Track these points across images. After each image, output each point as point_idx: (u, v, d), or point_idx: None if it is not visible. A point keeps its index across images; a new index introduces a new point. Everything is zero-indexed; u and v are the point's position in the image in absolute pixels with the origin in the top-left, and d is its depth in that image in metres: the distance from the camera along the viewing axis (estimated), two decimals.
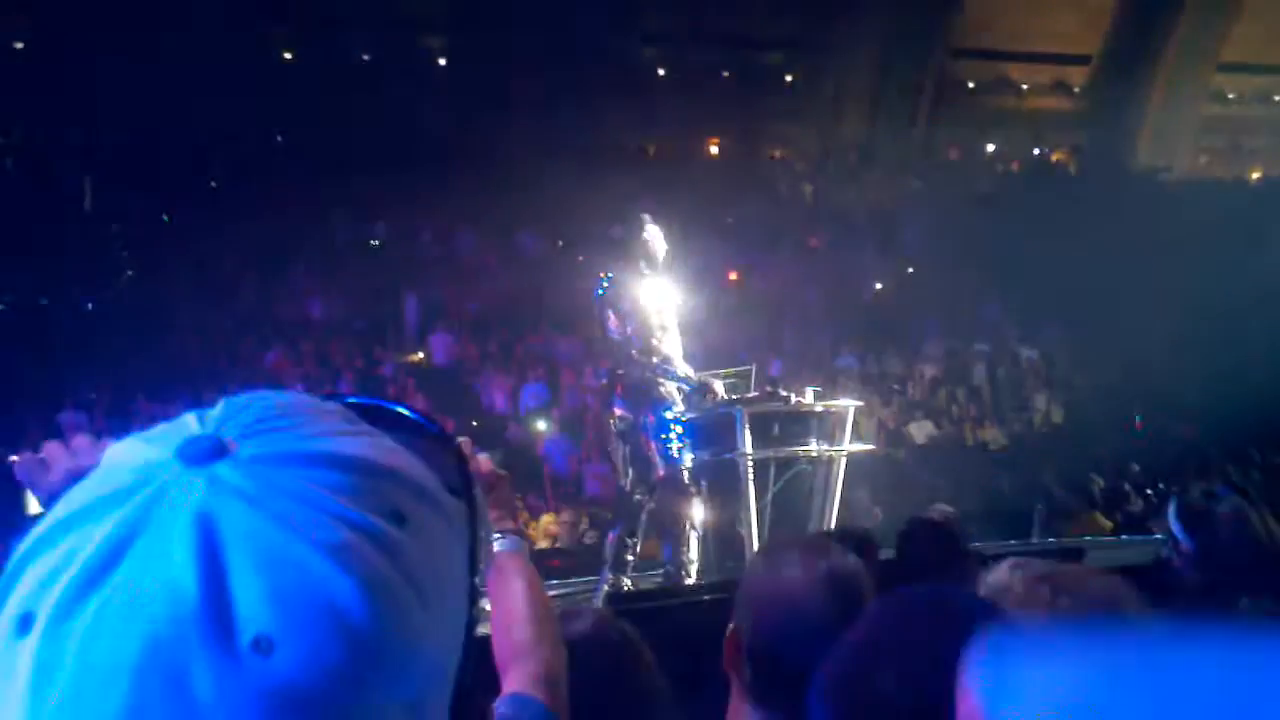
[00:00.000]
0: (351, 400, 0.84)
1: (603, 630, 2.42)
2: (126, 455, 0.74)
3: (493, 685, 1.79)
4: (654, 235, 6.54)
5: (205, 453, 0.72)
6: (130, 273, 17.86)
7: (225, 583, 0.67)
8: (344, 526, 0.70)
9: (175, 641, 0.66)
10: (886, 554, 3.93)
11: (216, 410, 0.77)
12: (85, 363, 15.33)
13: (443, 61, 22.61)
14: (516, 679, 1.79)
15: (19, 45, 19.10)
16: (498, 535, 1.96)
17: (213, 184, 19.54)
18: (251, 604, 0.67)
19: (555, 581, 7.45)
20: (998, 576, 2.01)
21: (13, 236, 15.76)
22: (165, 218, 17.98)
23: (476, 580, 0.80)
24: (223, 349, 16.15)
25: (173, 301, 16.91)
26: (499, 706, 1.74)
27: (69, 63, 17.92)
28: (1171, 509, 3.30)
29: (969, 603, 1.30)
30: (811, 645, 1.68)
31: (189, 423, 0.76)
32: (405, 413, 0.85)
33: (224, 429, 0.74)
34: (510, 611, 1.88)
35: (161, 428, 0.77)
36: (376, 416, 0.82)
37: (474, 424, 15.50)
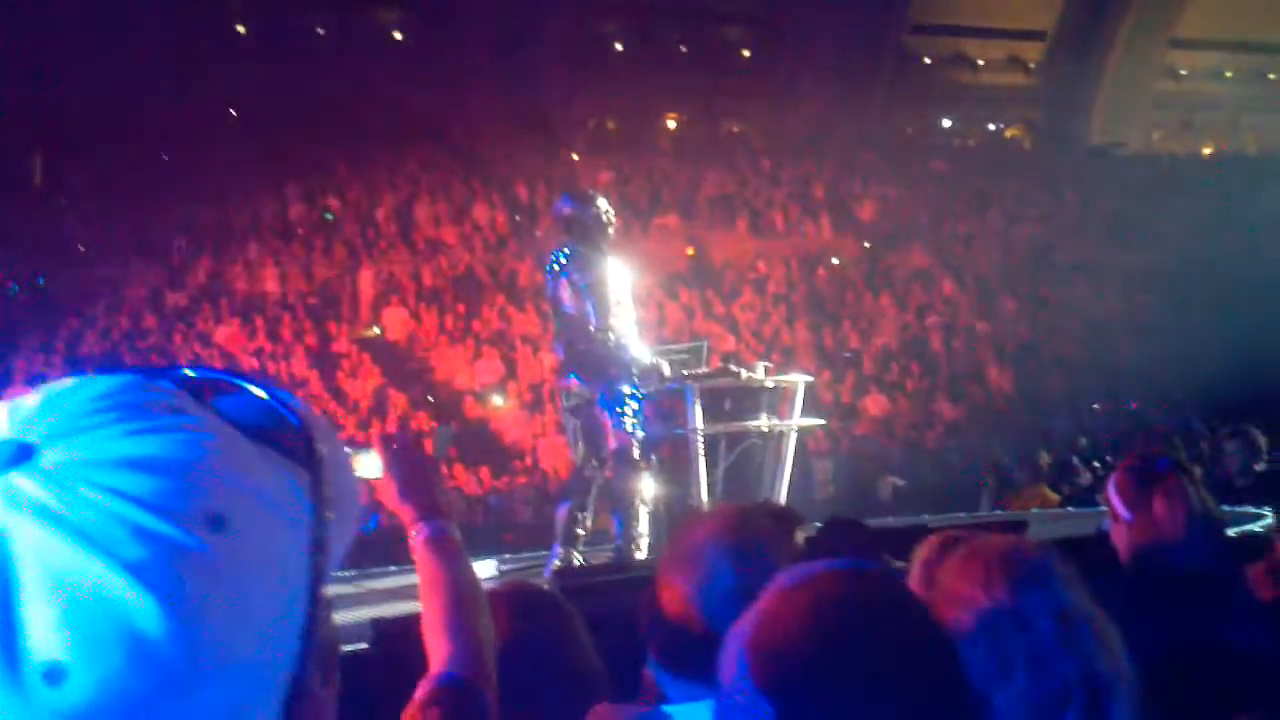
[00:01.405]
0: (189, 374, 0.78)
1: (537, 601, 2.44)
2: None
3: (421, 668, 1.80)
4: (603, 210, 6.52)
5: (6, 460, 0.67)
6: (82, 248, 17.66)
7: (14, 608, 0.63)
8: (149, 541, 0.66)
9: None
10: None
11: (32, 403, 0.71)
12: (37, 339, 15.17)
13: (399, 36, 22.42)
14: (440, 660, 1.80)
15: None
16: (422, 521, 1.98)
17: (165, 158, 19.32)
18: (43, 631, 0.63)
19: (508, 556, 7.45)
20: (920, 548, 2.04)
21: None
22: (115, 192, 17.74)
23: (321, 562, 0.74)
24: (177, 324, 16.01)
25: (125, 277, 16.75)
26: (421, 687, 1.75)
27: (17, 36, 17.63)
28: (1111, 482, 3.34)
29: (868, 571, 1.31)
30: (718, 611, 1.70)
31: (1, 418, 0.71)
32: (247, 385, 0.79)
33: (32, 429, 0.69)
34: (432, 597, 1.89)
35: None
36: (216, 391, 0.78)
37: (429, 399, 15.47)
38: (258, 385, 0.78)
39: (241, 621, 0.68)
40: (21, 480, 0.66)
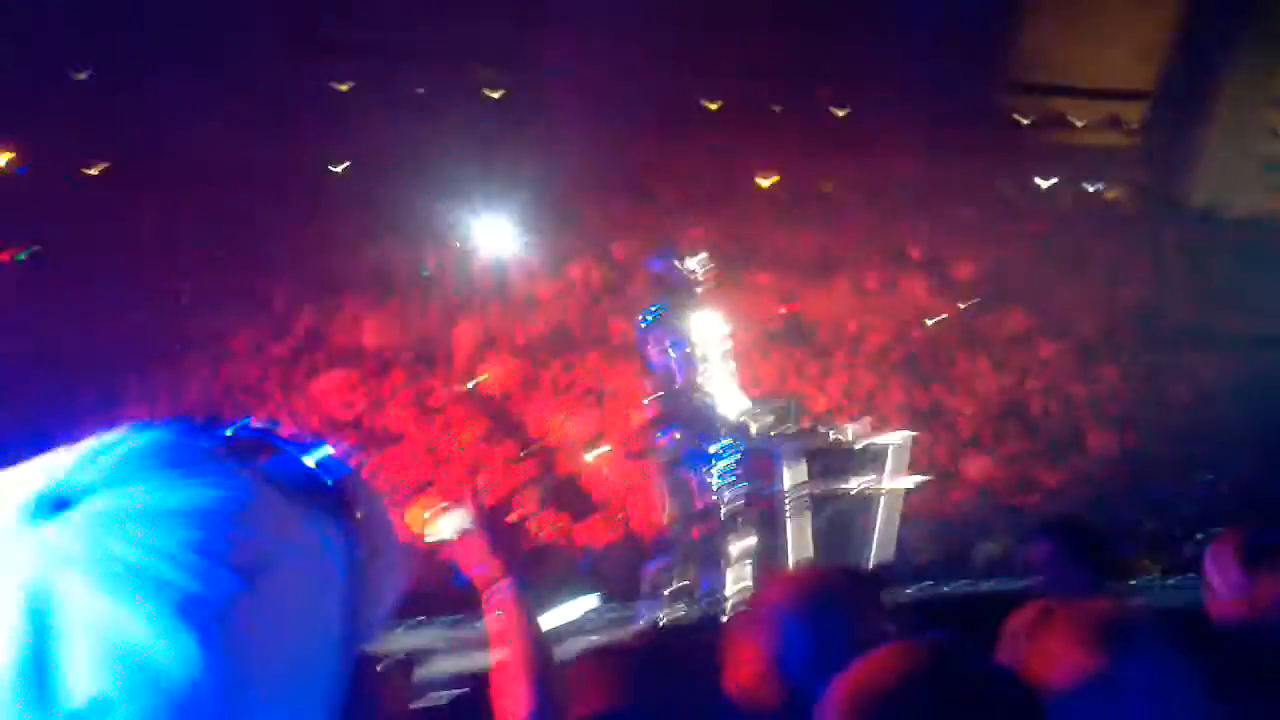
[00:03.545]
0: (230, 431, 0.81)
1: (663, 645, 2.47)
2: None
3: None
4: (694, 268, 6.54)
5: (46, 511, 0.70)
6: (184, 300, 18.11)
7: (49, 654, 0.65)
8: (179, 591, 0.67)
9: None
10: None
11: (75, 454, 0.74)
12: (140, 389, 15.56)
13: (493, 94, 22.80)
14: (521, 707, 1.84)
15: (81, 76, 19.52)
16: (505, 578, 2.03)
17: (266, 211, 19.77)
18: (77, 677, 0.65)
19: (602, 610, 7.44)
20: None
21: (83, 263, 16.15)
22: (219, 253, 18.22)
23: (356, 616, 0.77)
24: (277, 375, 16.32)
25: (227, 328, 17.14)
26: None
27: (127, 91, 18.27)
28: (1211, 554, 3.24)
29: (959, 644, 1.29)
30: (793, 675, 1.69)
31: (43, 470, 0.74)
32: (288, 444, 0.82)
33: (75, 480, 0.72)
34: (513, 649, 1.94)
35: (17, 471, 0.74)
36: (256, 448, 0.80)
37: (525, 453, 15.56)
38: (299, 445, 0.81)
39: (270, 671, 0.69)
40: (61, 530, 0.69)
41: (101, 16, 17.83)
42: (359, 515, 0.79)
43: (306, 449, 0.82)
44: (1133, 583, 7.53)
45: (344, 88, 21.66)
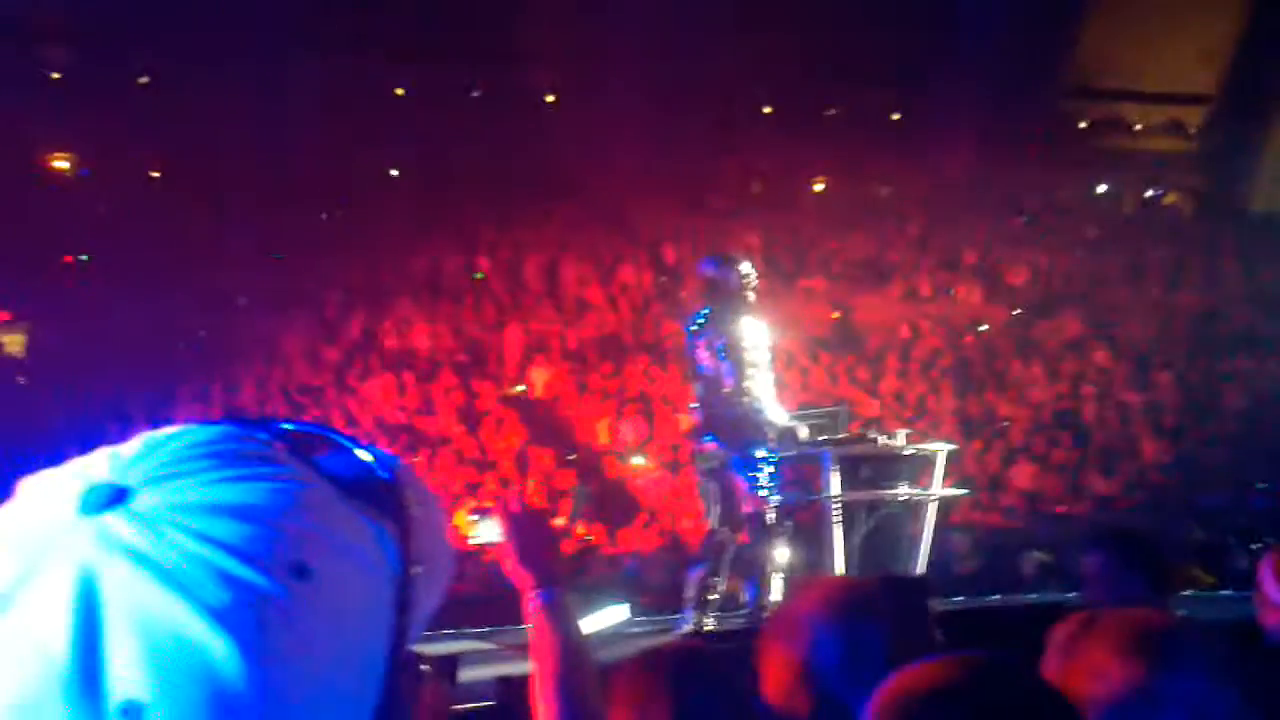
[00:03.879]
0: (286, 428, 0.81)
1: (703, 653, 2.47)
2: (33, 494, 0.73)
3: None
4: (746, 272, 6.53)
5: (101, 502, 0.70)
6: (243, 301, 18.32)
7: (98, 644, 0.66)
8: (232, 587, 0.68)
9: (42, 702, 0.65)
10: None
11: (131, 448, 0.75)
12: (195, 390, 15.75)
13: (549, 97, 22.89)
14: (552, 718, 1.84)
15: (143, 80, 19.81)
16: (539, 588, 2.03)
17: (323, 216, 19.97)
18: (124, 667, 0.65)
19: (642, 618, 7.43)
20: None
21: (141, 266, 16.42)
22: (278, 255, 18.42)
23: (404, 617, 0.77)
24: (330, 378, 16.45)
25: (281, 331, 17.31)
26: None
27: (184, 97, 18.51)
28: (1266, 564, 3.18)
29: (1001, 660, 1.28)
30: (822, 683, 1.67)
31: (100, 463, 0.75)
32: (344, 442, 0.82)
33: (130, 473, 0.73)
34: (546, 660, 1.95)
35: (75, 464, 0.75)
36: (311, 445, 0.80)
37: (571, 458, 15.58)
38: (354, 443, 0.82)
39: (318, 668, 0.70)
40: (115, 522, 0.70)
41: (160, 23, 18.09)
42: (413, 512, 0.80)
43: (362, 445, 0.83)
44: (1184, 594, 7.43)
45: (399, 91, 21.85)
